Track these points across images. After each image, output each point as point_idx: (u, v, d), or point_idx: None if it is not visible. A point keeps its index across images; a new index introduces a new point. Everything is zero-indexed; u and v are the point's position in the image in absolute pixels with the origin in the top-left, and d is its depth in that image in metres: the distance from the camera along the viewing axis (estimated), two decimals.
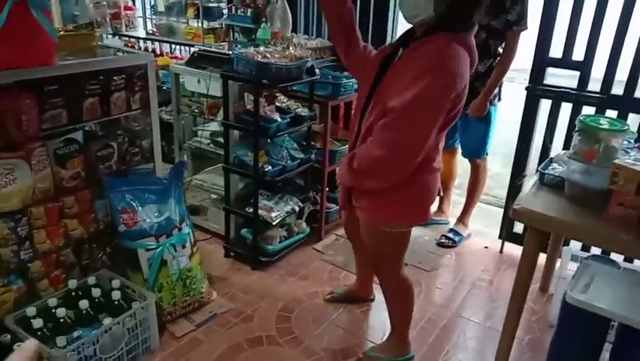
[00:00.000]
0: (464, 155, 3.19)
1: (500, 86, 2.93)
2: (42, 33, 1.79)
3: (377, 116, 1.72)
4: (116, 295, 2.10)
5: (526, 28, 2.70)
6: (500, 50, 2.79)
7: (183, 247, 2.35)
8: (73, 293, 2.09)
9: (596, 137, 1.88)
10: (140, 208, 2.26)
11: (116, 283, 2.15)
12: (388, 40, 3.39)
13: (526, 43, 2.83)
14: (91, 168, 2.21)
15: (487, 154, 3.12)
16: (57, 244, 2.14)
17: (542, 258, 2.80)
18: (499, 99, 2.98)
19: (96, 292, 2.08)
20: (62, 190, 2.12)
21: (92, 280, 2.14)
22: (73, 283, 2.10)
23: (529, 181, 2.19)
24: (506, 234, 3.20)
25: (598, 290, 1.61)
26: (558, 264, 2.74)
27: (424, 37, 1.67)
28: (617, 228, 1.75)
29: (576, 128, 1.95)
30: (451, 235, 3.27)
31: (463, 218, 3.34)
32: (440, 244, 3.23)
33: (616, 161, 1.79)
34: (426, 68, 1.60)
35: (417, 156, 1.69)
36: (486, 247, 3.28)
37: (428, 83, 1.58)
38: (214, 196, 3.28)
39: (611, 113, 2.65)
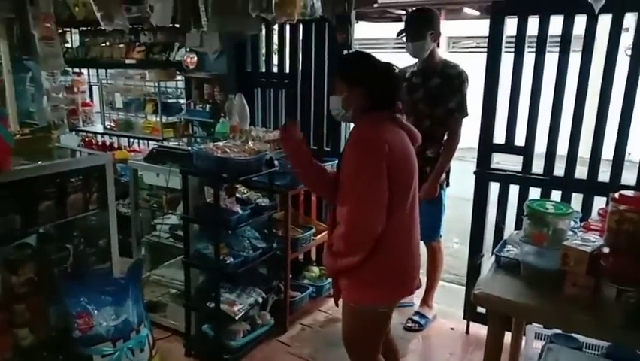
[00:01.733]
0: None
1: (448, 173, 3.08)
2: None
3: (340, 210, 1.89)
4: None
5: (467, 115, 2.90)
6: (446, 136, 2.96)
7: (142, 350, 2.24)
8: None
9: (544, 221, 1.97)
10: (95, 312, 2.16)
11: None
12: (342, 140, 3.54)
13: (473, 124, 3.03)
14: (45, 273, 2.13)
15: (440, 236, 3.22)
16: (4, 357, 2.01)
17: (508, 336, 2.82)
18: (448, 185, 3.13)
19: None
20: (12, 298, 2.02)
21: None
22: None
23: (487, 263, 2.25)
24: (470, 314, 3.21)
25: None
26: (523, 342, 2.76)
27: (353, 127, 1.93)
28: (574, 308, 1.80)
29: (525, 213, 2.05)
30: (417, 318, 3.26)
31: (426, 300, 3.35)
32: (407, 328, 3.20)
33: (565, 243, 1.87)
34: (348, 149, 1.86)
35: (373, 224, 1.80)
36: (452, 329, 3.27)
37: (352, 159, 1.83)
38: (173, 291, 3.18)
39: (556, 193, 2.80)
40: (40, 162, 2.09)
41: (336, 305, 2.08)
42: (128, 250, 3.27)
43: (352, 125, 1.98)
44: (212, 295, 2.73)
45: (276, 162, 2.90)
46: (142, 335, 2.27)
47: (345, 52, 3.32)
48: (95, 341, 2.13)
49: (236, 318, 2.74)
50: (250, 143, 2.84)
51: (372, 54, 1.96)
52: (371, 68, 1.91)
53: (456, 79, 2.87)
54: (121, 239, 3.33)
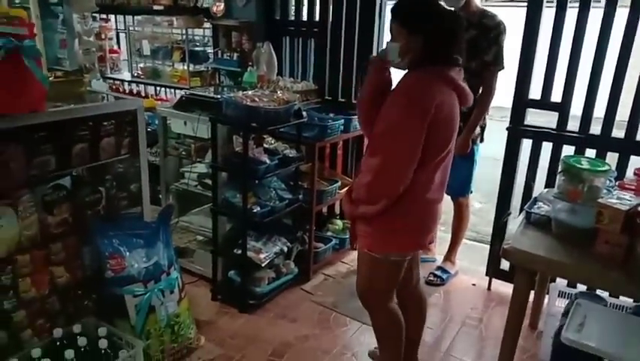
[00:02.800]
0: (447, 193, 3.21)
1: (483, 128, 3.01)
2: (33, 81, 1.80)
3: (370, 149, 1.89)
4: (103, 343, 2.03)
5: (503, 68, 2.81)
6: (479, 89, 2.87)
7: (171, 292, 2.31)
8: (58, 343, 2.01)
9: (580, 177, 1.95)
10: (127, 253, 2.23)
11: (102, 331, 2.09)
12: None
13: (506, 82, 2.93)
14: (79, 214, 2.18)
15: (470, 192, 3.18)
16: (42, 292, 2.09)
17: (530, 295, 2.83)
18: (482, 140, 3.06)
19: (82, 341, 2.02)
20: (49, 237, 2.09)
21: (77, 328, 2.08)
22: (58, 333, 2.03)
23: (516, 220, 2.23)
24: (493, 271, 3.22)
25: (591, 330, 1.63)
26: (546, 300, 2.77)
27: (405, 75, 1.83)
28: (605, 266, 1.79)
29: (560, 169, 2.01)
30: (439, 273, 3.28)
31: (450, 256, 3.36)
32: (429, 282, 3.22)
33: (600, 200, 1.85)
34: (394, 97, 1.80)
35: (399, 179, 1.78)
36: (474, 285, 3.29)
37: (394, 112, 1.77)
38: (200, 238, 3.25)
39: (590, 152, 2.73)
40: (73, 105, 2.09)
41: (352, 248, 2.09)
42: (156, 198, 3.33)
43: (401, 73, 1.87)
44: (239, 242, 2.78)
45: (304, 113, 2.88)
46: (172, 277, 2.34)
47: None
48: (126, 282, 2.20)
49: (262, 265, 2.79)
50: (279, 92, 2.81)
51: None
52: (436, 16, 1.78)
53: (493, 30, 2.76)
54: (150, 187, 3.41)
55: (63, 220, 2.12)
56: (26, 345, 2.03)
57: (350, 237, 2.13)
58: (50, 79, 2.27)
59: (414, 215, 1.91)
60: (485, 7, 2.90)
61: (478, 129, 2.95)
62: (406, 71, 1.85)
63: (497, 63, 2.78)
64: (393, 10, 1.82)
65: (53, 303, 2.15)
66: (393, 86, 1.86)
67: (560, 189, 2.01)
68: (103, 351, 2.03)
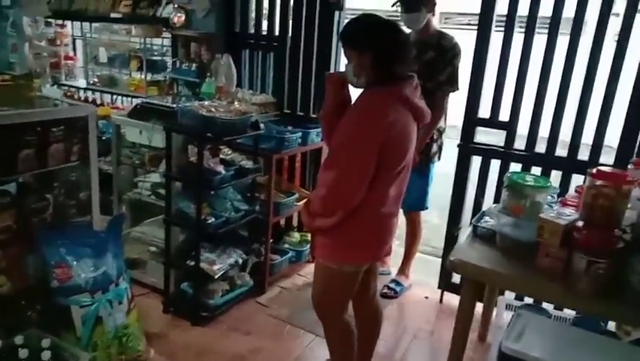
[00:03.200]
0: (401, 207, 3.25)
1: (440, 147, 3.09)
2: None
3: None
4: (46, 355, 1.95)
5: (457, 89, 2.89)
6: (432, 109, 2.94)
7: (120, 303, 2.26)
8: None
9: (523, 193, 2.03)
10: (74, 263, 2.16)
11: (45, 342, 2.01)
12: None
13: (461, 103, 3.03)
14: (24, 221, 2.12)
15: (426, 208, 3.25)
16: None
17: (480, 307, 2.90)
18: (439, 158, 3.14)
19: (23, 353, 1.94)
20: None
21: (19, 340, 1.99)
22: None
23: (464, 233, 2.30)
24: (445, 284, 3.29)
25: (530, 339, 1.69)
26: (494, 313, 2.85)
27: (361, 94, 1.88)
28: (545, 278, 1.87)
29: (504, 185, 2.09)
30: (393, 286, 3.33)
31: (403, 269, 3.42)
32: (383, 295, 3.24)
33: (541, 215, 1.93)
34: (349, 116, 1.86)
35: (352, 193, 1.82)
36: (426, 297, 3.35)
37: (349, 129, 1.82)
38: (153, 249, 3.18)
39: (536, 170, 2.85)
40: (18, 110, 2.04)
41: (312, 259, 2.12)
42: (109, 208, 3.26)
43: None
44: (193, 253, 2.74)
45: (261, 125, 2.89)
46: (121, 287, 2.28)
47: (333, 19, 3.28)
48: (73, 292, 2.14)
49: (216, 277, 2.76)
50: (236, 104, 2.81)
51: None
52: (380, 32, 1.84)
53: (449, 51, 2.83)
54: (102, 197, 3.33)
55: (6, 227, 2.05)
56: None
57: (311, 248, 2.16)
58: None
59: (369, 228, 1.94)
60: (442, 30, 2.98)
61: (435, 147, 3.03)
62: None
63: (450, 83, 2.86)
64: (341, 35, 1.91)
65: None
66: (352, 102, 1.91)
67: (504, 204, 2.08)
68: None
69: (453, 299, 3.26)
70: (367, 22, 1.87)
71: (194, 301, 2.79)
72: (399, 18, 2.89)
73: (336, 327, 2.13)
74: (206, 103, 2.74)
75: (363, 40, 1.83)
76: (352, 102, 1.91)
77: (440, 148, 3.12)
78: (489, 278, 2.00)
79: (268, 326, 2.87)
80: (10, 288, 2.10)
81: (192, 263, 2.74)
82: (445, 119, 3.09)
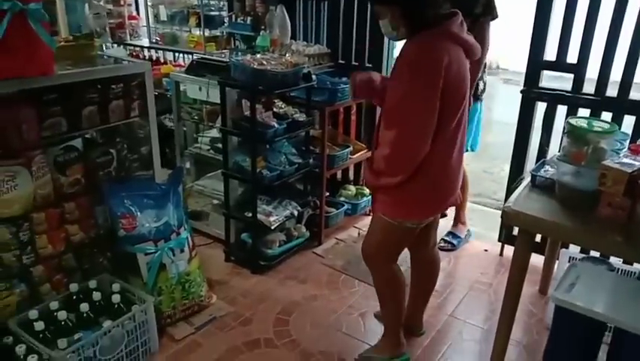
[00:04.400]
0: None
1: (485, 84, 2.93)
2: (40, 44, 1.85)
3: (385, 120, 1.89)
4: (116, 298, 2.14)
5: (495, 18, 2.63)
6: None
7: (182, 251, 2.39)
8: (74, 297, 2.14)
9: (584, 139, 1.90)
10: (138, 213, 2.31)
11: (116, 286, 2.20)
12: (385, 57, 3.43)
13: (523, 45, 2.84)
14: (90, 175, 2.27)
15: (474, 149, 3.10)
16: (58, 249, 2.20)
17: (542, 260, 2.81)
18: (483, 91, 2.95)
19: (96, 295, 2.13)
20: (63, 196, 2.18)
21: (92, 283, 2.19)
22: (74, 287, 2.15)
23: (523, 183, 2.21)
24: (506, 236, 3.20)
25: (581, 290, 1.62)
26: (556, 266, 2.75)
27: (406, 43, 1.82)
28: (607, 229, 1.77)
29: (564, 130, 1.97)
30: (449, 238, 3.28)
31: (459, 217, 3.32)
32: (440, 249, 3.13)
33: (604, 162, 1.81)
34: (400, 69, 1.79)
35: (418, 150, 1.78)
36: (486, 250, 3.29)
37: (404, 84, 1.75)
38: (215, 202, 3.32)
39: (607, 115, 2.66)
40: (80, 69, 2.14)
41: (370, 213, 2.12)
42: (172, 163, 3.41)
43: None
44: (250, 205, 2.83)
45: (314, 77, 2.87)
46: (182, 237, 2.42)
47: None
48: (138, 240, 2.29)
49: (272, 228, 2.85)
50: (288, 56, 2.81)
51: None
52: None
53: None
54: (166, 152, 3.49)
55: (75, 180, 2.20)
56: (45, 298, 2.16)
57: (372, 203, 2.15)
58: (61, 43, 2.33)
59: (433, 182, 1.91)
60: None
61: (481, 84, 2.88)
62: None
63: (488, 13, 2.61)
64: None
65: (69, 260, 2.27)
66: (398, 55, 1.85)
67: (565, 151, 1.96)
68: (116, 305, 2.14)
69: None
70: None
71: (253, 250, 2.91)
72: None
73: (386, 277, 2.14)
74: (258, 56, 2.75)
75: None
76: (401, 52, 1.83)
77: (485, 85, 2.94)
78: (544, 229, 1.92)
79: (323, 275, 2.95)
80: (82, 237, 2.28)
81: (250, 215, 2.83)
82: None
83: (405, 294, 2.21)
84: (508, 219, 1.93)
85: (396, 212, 1.96)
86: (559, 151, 2.67)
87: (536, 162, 2.94)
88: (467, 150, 3.03)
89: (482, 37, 2.64)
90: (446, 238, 3.28)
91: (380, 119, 1.95)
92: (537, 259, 2.69)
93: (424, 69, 1.72)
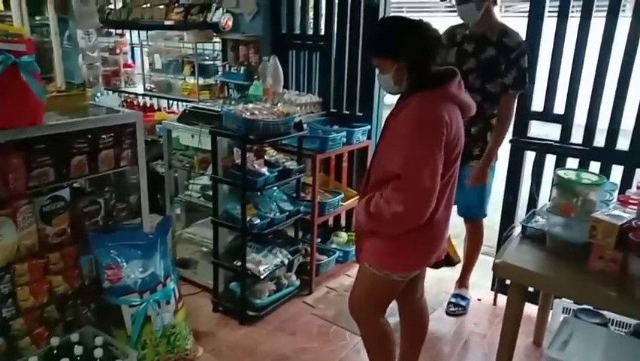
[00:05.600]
0: (460, 213, 3.00)
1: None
2: (30, 95, 1.86)
3: (379, 174, 1.88)
4: (98, 353, 2.06)
5: (524, 91, 2.67)
6: (494, 112, 2.72)
7: (167, 303, 2.34)
8: (55, 351, 2.05)
9: (574, 191, 1.91)
10: (125, 264, 2.26)
11: (98, 340, 2.11)
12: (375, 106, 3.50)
13: None
14: (77, 224, 2.23)
15: (485, 215, 3.01)
16: (40, 301, 2.14)
17: (535, 310, 2.76)
18: (496, 158, 2.87)
19: (78, 350, 2.05)
20: (47, 247, 2.14)
21: (75, 337, 2.11)
22: (55, 341, 2.06)
23: (514, 234, 2.20)
24: (498, 286, 3.16)
25: (575, 348, 1.58)
26: (550, 317, 2.70)
27: (401, 102, 1.83)
28: (599, 283, 1.75)
29: (554, 182, 1.98)
30: (457, 301, 3.12)
31: (464, 281, 3.20)
32: (450, 313, 3.06)
33: (594, 214, 1.81)
34: (404, 131, 1.76)
35: (429, 207, 1.76)
36: (479, 300, 3.23)
37: (411, 145, 1.73)
38: (204, 249, 3.28)
39: (595, 165, 2.68)
40: (69, 119, 2.15)
41: (357, 260, 2.08)
42: (162, 209, 3.38)
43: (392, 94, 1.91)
44: (240, 254, 2.79)
45: (305, 126, 2.90)
46: (168, 288, 2.36)
47: (377, 18, 3.21)
48: (123, 292, 2.24)
49: (262, 277, 2.80)
50: (279, 105, 2.84)
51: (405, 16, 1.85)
52: (409, 32, 1.76)
53: (514, 51, 2.58)
54: (158, 198, 3.47)
55: (61, 231, 2.17)
56: (24, 353, 2.08)
57: (355, 249, 2.13)
58: (53, 93, 2.34)
59: (424, 236, 1.87)
60: (506, 25, 2.70)
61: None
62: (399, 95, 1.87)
63: (518, 86, 2.63)
64: (367, 47, 1.87)
65: (51, 312, 2.20)
66: (393, 113, 1.85)
67: (554, 202, 1.97)
68: (98, 360, 2.06)
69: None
70: (394, 26, 1.81)
71: (241, 300, 2.85)
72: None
73: (373, 331, 2.08)
74: (250, 106, 2.78)
75: (396, 47, 1.77)
76: (397, 112, 1.83)
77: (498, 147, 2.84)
78: (535, 282, 1.90)
79: (314, 326, 2.88)
80: (66, 288, 2.22)
81: (239, 264, 2.79)
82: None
83: (395, 348, 2.14)
84: (500, 272, 1.90)
85: (384, 263, 1.92)
86: (549, 200, 2.70)
87: (527, 212, 2.95)
88: (483, 216, 3.03)
89: (507, 109, 2.68)
90: (454, 301, 3.12)
91: (373, 164, 1.94)
92: (531, 309, 2.64)
93: (431, 129, 1.72)
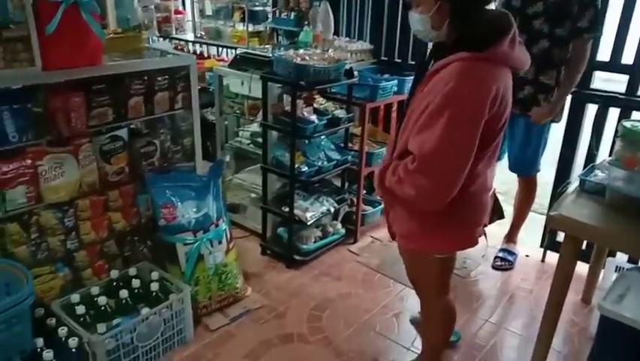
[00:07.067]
0: (511, 169, 2.94)
1: (563, 106, 2.70)
2: (91, 35, 1.90)
3: (404, 145, 1.56)
4: (155, 286, 2.18)
5: (600, 35, 2.51)
6: (563, 59, 2.56)
7: (220, 242, 2.42)
8: (114, 283, 2.19)
9: (639, 143, 1.81)
10: (179, 204, 2.34)
11: (155, 275, 2.23)
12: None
13: None
14: (134, 164, 2.31)
15: (538, 171, 2.90)
16: (101, 236, 2.26)
17: (585, 269, 2.70)
18: (560, 119, 2.75)
19: (136, 282, 2.17)
20: (107, 184, 2.23)
21: (132, 271, 2.24)
22: (115, 274, 2.20)
23: (571, 188, 2.13)
24: (548, 242, 3.10)
25: (632, 301, 1.54)
26: (602, 275, 2.64)
27: (444, 59, 1.46)
28: None
29: (618, 134, 1.88)
30: (504, 255, 3.07)
31: (512, 236, 3.14)
32: (496, 268, 3.01)
33: None
34: (440, 107, 1.41)
35: (448, 197, 1.49)
36: (527, 256, 3.18)
37: (446, 126, 1.40)
38: (253, 195, 3.34)
39: None
40: (127, 60, 2.18)
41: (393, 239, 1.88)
42: (213, 156, 3.45)
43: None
44: (287, 200, 2.84)
45: (355, 73, 2.85)
46: (220, 228, 2.44)
47: None
48: (178, 230, 2.33)
49: (308, 224, 2.84)
50: (330, 51, 2.79)
51: None
52: None
53: None
54: (208, 145, 3.53)
55: (120, 169, 2.25)
56: (87, 283, 2.22)
57: (388, 227, 1.90)
58: (110, 35, 2.38)
59: (462, 211, 1.62)
60: None
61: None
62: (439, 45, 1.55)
63: (593, 30, 2.44)
64: None
65: (111, 246, 2.32)
66: (433, 71, 1.50)
67: (617, 155, 1.88)
68: (154, 293, 2.17)
69: (556, 259, 3.06)
70: None
71: (288, 245, 2.91)
72: None
73: (433, 310, 1.94)
74: (301, 51, 2.75)
75: None
76: (437, 73, 1.47)
77: (563, 106, 2.69)
78: (593, 236, 1.84)
79: (358, 273, 2.92)
80: (124, 224, 2.33)
81: (287, 210, 2.84)
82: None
83: (454, 325, 2.01)
84: (555, 224, 1.86)
85: (418, 244, 1.73)
86: (609, 156, 2.58)
87: (584, 168, 2.84)
88: (536, 171, 2.90)
89: (582, 53, 2.50)
90: (502, 256, 3.07)
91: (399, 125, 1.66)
92: (581, 268, 2.58)
93: (473, 112, 1.42)
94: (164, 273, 2.32)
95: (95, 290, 2.08)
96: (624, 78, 2.66)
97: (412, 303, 2.58)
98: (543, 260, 3.13)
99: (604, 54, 2.68)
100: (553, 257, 3.10)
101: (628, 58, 2.60)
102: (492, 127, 1.50)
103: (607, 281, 2.57)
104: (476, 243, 1.75)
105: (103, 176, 2.20)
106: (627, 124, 1.86)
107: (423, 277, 1.89)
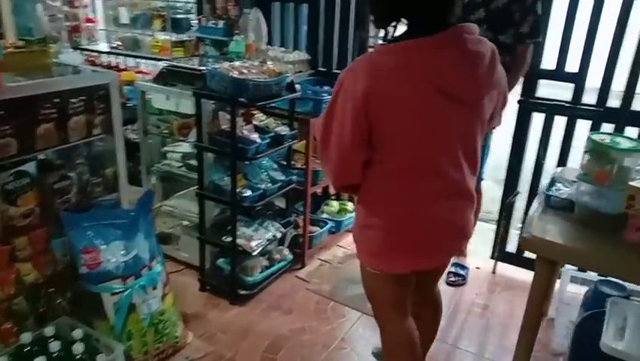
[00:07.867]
0: None
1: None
2: None
3: None
4: (79, 347, 1.82)
5: (540, 40, 2.52)
6: (508, 65, 2.52)
7: (154, 288, 2.09)
8: (26, 349, 1.80)
9: (609, 157, 1.73)
10: (103, 246, 2.00)
11: (77, 333, 1.87)
12: None
13: None
14: (46, 203, 1.94)
15: (482, 180, 2.81)
16: (7, 293, 1.87)
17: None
18: (499, 123, 2.75)
19: (54, 345, 1.80)
20: (13, 231, 1.85)
21: (49, 330, 1.86)
22: (26, 337, 1.81)
23: (522, 202, 2.03)
24: (499, 254, 3.05)
25: (635, 336, 1.44)
26: (557, 285, 2.61)
27: None
28: (638, 256, 1.60)
29: (585, 148, 1.80)
30: (457, 270, 2.96)
31: (462, 249, 2.96)
32: (450, 284, 2.90)
33: (632, 183, 1.65)
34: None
35: (334, 182, 1.52)
36: (477, 268, 3.11)
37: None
38: (186, 223, 3.02)
39: (608, 127, 2.54)
40: (32, 80, 1.83)
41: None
42: (137, 180, 3.09)
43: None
44: (228, 228, 2.56)
45: (297, 87, 2.63)
46: (154, 271, 2.12)
47: None
48: (103, 278, 1.98)
49: (254, 254, 2.58)
50: (269, 63, 2.55)
51: None
52: None
53: None
54: (130, 167, 3.16)
55: (28, 211, 1.88)
56: None
57: None
58: (9, 50, 2.00)
59: (394, 235, 1.50)
60: None
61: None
62: None
63: (534, 35, 2.46)
64: None
65: (21, 304, 1.93)
66: None
67: (585, 170, 1.79)
68: (78, 356, 1.82)
69: (506, 270, 3.05)
70: None
71: (231, 278, 2.63)
72: None
73: (386, 335, 1.74)
74: (236, 64, 2.49)
75: None
76: None
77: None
78: (569, 257, 1.75)
79: (310, 303, 2.70)
80: (36, 276, 1.95)
81: (229, 240, 2.56)
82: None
83: (416, 356, 1.77)
84: (529, 247, 1.74)
85: (359, 252, 1.62)
86: (556, 165, 2.55)
87: (532, 176, 2.81)
88: (480, 181, 2.78)
89: (524, 59, 2.50)
90: (454, 271, 2.95)
91: None
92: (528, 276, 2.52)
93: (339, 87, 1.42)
94: (90, 329, 1.96)
95: None
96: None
97: (372, 333, 2.40)
98: (494, 272, 3.08)
99: (549, 62, 2.65)
100: (503, 268, 3.06)
101: (573, 66, 2.58)
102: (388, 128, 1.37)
103: (563, 292, 2.54)
104: (402, 270, 1.57)
105: (7, 221, 1.82)
106: (595, 137, 1.78)
107: (370, 294, 1.71)
